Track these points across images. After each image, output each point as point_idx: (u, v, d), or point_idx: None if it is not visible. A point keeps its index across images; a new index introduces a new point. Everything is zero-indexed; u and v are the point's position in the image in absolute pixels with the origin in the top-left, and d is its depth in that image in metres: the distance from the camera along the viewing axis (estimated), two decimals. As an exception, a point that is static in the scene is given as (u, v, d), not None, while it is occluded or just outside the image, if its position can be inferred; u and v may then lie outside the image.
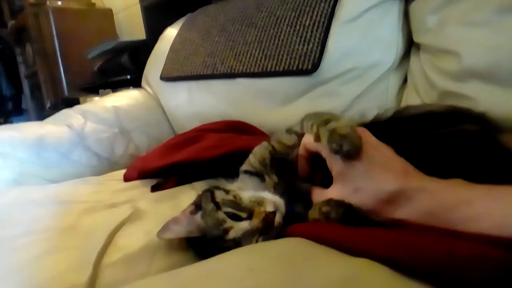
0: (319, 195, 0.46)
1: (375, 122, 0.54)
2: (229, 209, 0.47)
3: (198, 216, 0.49)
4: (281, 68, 0.92)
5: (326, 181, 0.46)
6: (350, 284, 0.29)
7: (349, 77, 0.86)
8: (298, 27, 0.91)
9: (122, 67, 1.72)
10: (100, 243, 0.49)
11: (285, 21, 0.95)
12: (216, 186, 0.52)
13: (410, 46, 0.86)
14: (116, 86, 1.63)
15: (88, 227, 0.56)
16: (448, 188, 0.37)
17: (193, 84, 1.18)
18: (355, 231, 0.38)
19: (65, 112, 1.21)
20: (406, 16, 0.85)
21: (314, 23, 0.88)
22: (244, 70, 1.01)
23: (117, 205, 0.64)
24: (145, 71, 1.45)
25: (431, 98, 0.75)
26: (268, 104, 0.98)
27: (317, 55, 0.86)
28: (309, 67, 0.86)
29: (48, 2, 2.13)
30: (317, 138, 0.44)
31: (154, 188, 0.72)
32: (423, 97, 0.78)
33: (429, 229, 0.35)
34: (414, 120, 0.53)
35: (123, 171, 0.88)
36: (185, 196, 0.63)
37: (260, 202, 0.46)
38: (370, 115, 0.59)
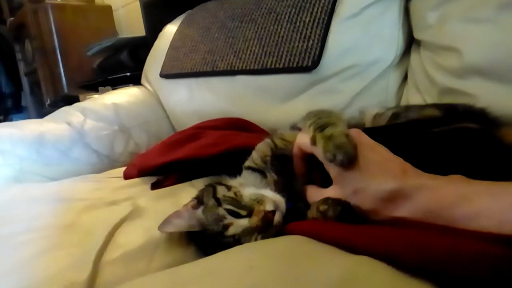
0: (316, 194, 0.46)
1: (372, 128, 0.54)
2: (229, 206, 0.47)
3: (199, 210, 0.49)
4: (281, 65, 0.91)
5: (326, 181, 0.46)
6: (350, 282, 0.28)
7: (349, 74, 0.86)
8: (298, 23, 0.91)
9: (122, 64, 1.71)
10: (100, 240, 0.49)
11: (285, 17, 0.94)
12: (219, 182, 0.52)
13: (411, 43, 0.86)
14: (116, 83, 1.62)
15: (88, 224, 0.56)
16: (448, 185, 0.37)
17: (193, 81, 1.17)
18: (355, 229, 0.38)
19: (65, 110, 1.21)
20: (406, 13, 0.85)
21: (314, 20, 0.88)
22: (244, 67, 1.00)
23: (117, 203, 0.64)
24: (144, 68, 1.44)
25: (431, 95, 0.75)
26: (268, 101, 0.98)
27: (317, 52, 0.85)
28: (309, 64, 0.86)
29: (47, -1, 2.12)
30: (314, 142, 0.44)
31: (154, 186, 0.72)
32: (423, 94, 0.77)
33: (429, 226, 0.35)
34: (412, 124, 0.53)
35: (123, 168, 0.88)
36: (185, 193, 0.63)
37: (260, 201, 0.46)
38: (370, 114, 0.59)
